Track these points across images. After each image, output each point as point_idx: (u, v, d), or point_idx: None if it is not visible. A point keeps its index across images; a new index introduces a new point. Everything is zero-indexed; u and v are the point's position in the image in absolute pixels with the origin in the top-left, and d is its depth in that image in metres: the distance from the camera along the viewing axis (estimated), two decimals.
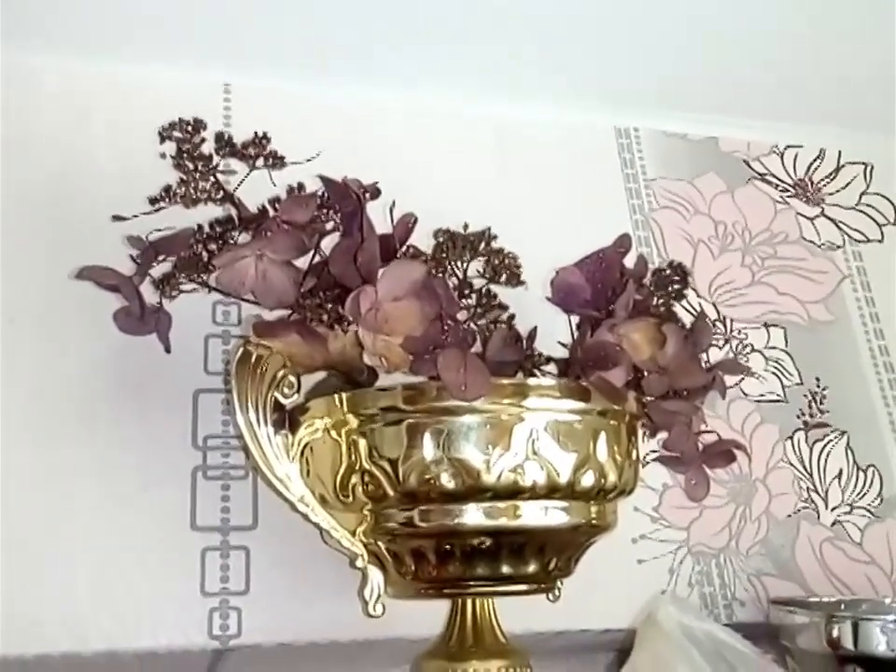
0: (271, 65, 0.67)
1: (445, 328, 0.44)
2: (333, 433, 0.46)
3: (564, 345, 0.49)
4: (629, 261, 0.50)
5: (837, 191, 0.80)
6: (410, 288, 0.43)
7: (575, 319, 0.49)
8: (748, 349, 0.71)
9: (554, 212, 0.69)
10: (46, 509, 0.52)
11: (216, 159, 0.47)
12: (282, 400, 0.48)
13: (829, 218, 0.79)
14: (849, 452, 0.69)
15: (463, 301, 0.49)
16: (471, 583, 0.47)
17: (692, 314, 0.67)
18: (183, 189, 0.46)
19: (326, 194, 0.47)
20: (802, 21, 0.69)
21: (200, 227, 0.47)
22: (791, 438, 0.68)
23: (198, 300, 0.50)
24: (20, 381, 0.54)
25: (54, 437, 0.53)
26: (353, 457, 0.45)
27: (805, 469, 0.68)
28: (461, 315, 0.48)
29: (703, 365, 0.50)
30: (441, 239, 0.50)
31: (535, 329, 0.50)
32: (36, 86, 0.63)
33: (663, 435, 0.51)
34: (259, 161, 0.47)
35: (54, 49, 0.63)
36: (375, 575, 0.48)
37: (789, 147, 0.81)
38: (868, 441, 0.70)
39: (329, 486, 0.46)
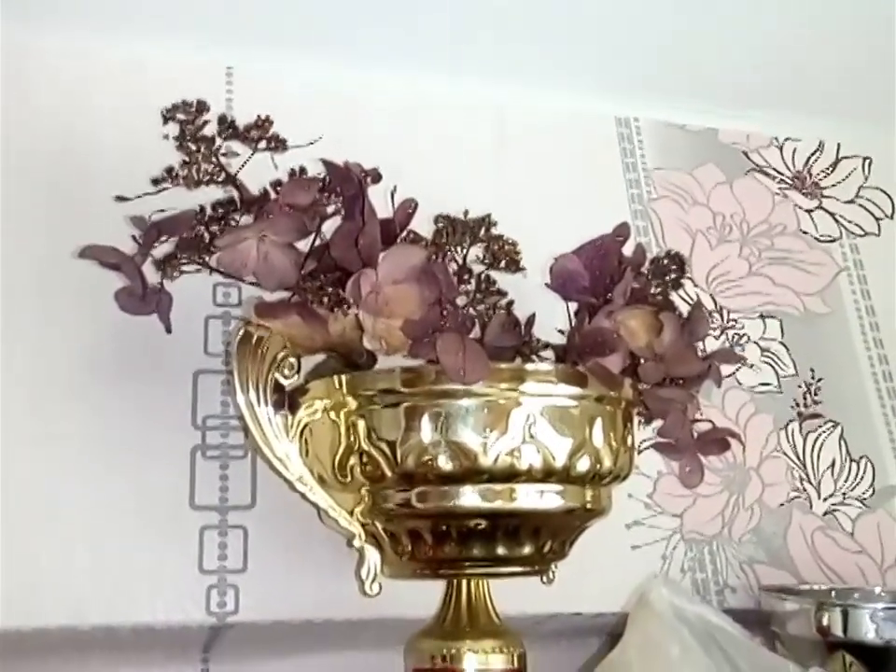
0: (274, 49, 0.67)
1: (444, 312, 0.44)
2: (332, 414, 0.47)
3: (562, 332, 0.50)
4: (627, 250, 0.50)
5: (835, 184, 0.81)
6: (410, 272, 0.44)
7: (573, 306, 0.49)
8: (743, 339, 0.71)
9: (554, 200, 0.70)
10: (46, 485, 0.52)
11: (218, 141, 0.47)
12: (282, 381, 0.48)
13: (826, 211, 0.79)
14: (843, 443, 0.70)
15: (462, 286, 0.49)
16: (467, 564, 0.47)
17: (688, 303, 0.67)
18: (185, 170, 0.46)
19: (328, 178, 0.47)
20: (802, 14, 0.70)
21: (202, 208, 0.48)
22: (786, 428, 0.69)
23: (199, 280, 0.50)
24: (20, 359, 0.54)
25: (54, 415, 0.54)
26: (352, 438, 0.46)
27: (799, 459, 0.68)
28: (460, 300, 0.48)
29: (699, 354, 0.51)
30: (441, 224, 0.51)
31: (533, 315, 0.50)
32: (38, 67, 0.62)
33: (658, 422, 0.51)
34: (262, 144, 0.47)
35: (56, 31, 0.63)
36: (372, 555, 0.49)
37: (788, 139, 0.81)
38: (861, 432, 0.70)
39: (328, 466, 0.47)
